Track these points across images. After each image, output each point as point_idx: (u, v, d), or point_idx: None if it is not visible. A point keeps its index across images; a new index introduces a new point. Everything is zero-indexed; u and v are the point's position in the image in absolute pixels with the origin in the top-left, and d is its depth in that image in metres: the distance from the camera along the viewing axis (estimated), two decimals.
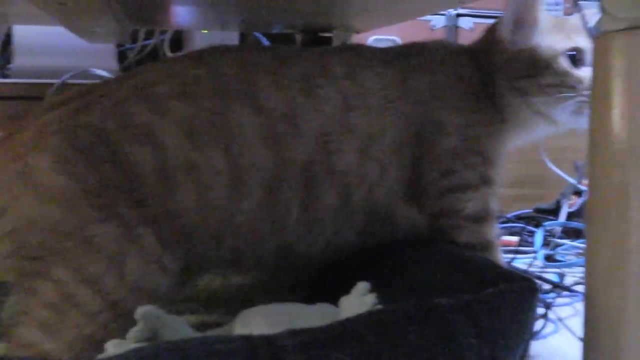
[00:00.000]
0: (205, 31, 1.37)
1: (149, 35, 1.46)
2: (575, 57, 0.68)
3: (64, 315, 0.52)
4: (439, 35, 1.54)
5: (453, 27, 1.55)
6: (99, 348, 0.49)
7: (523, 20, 0.70)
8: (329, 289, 0.61)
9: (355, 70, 0.65)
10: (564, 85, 0.67)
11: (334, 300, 0.54)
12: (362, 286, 0.49)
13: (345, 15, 1.05)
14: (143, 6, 0.95)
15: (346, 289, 0.51)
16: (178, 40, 1.47)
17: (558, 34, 0.69)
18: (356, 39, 1.22)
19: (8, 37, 1.40)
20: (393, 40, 1.48)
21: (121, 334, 0.48)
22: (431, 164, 0.66)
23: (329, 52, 0.70)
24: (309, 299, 0.56)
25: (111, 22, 0.86)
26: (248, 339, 0.39)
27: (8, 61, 1.41)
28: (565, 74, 0.67)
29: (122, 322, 0.52)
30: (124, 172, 0.55)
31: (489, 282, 0.49)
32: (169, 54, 1.41)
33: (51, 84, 1.20)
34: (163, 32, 1.44)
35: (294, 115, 0.60)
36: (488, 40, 0.73)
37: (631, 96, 0.42)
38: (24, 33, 1.35)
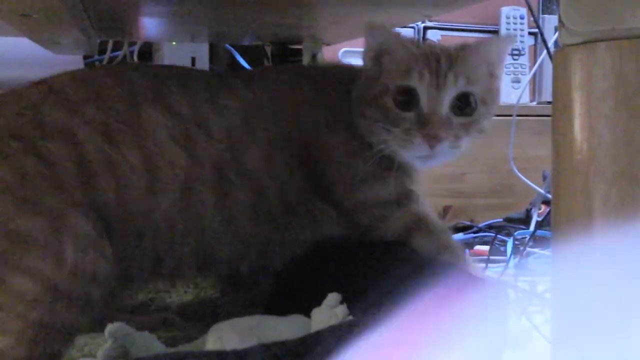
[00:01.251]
0: (174, 43, 1.37)
1: (117, 46, 1.44)
2: (406, 97, 0.65)
3: (6, 307, 0.53)
4: None
5: (421, 40, 1.58)
6: (51, 334, 0.51)
7: (381, 49, 0.69)
8: (301, 301, 0.61)
9: (251, 82, 0.71)
10: (386, 122, 0.65)
11: (306, 311, 0.54)
12: (332, 298, 0.49)
13: (315, 28, 1.06)
14: (111, 18, 0.94)
15: (318, 300, 0.51)
16: (147, 52, 1.46)
17: (401, 68, 0.67)
18: (326, 51, 1.23)
19: None
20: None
21: (69, 315, 0.49)
22: (331, 166, 0.69)
23: (232, 72, 0.77)
24: (282, 311, 0.56)
25: (77, 33, 0.85)
26: (219, 354, 0.38)
27: None
28: (387, 111, 0.66)
29: (67, 303, 0.53)
30: (46, 164, 0.57)
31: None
32: None
33: None
34: (132, 43, 1.42)
35: (203, 120, 0.65)
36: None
37: (590, 108, 0.43)
38: None
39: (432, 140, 0.63)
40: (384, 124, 0.65)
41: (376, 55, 0.69)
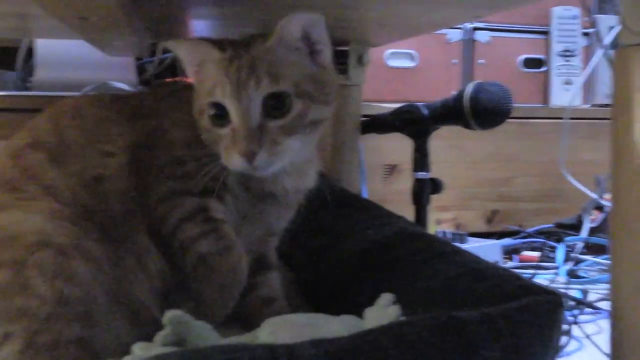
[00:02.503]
0: None
1: (167, 49, 1.48)
2: (219, 113, 0.61)
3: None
4: (455, 48, 1.54)
5: (470, 41, 1.55)
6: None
7: (197, 62, 0.65)
8: (351, 301, 0.61)
9: None
10: (212, 142, 0.63)
11: (355, 311, 0.54)
12: (386, 297, 0.48)
13: (362, 29, 1.06)
14: (162, 20, 0.96)
15: (368, 300, 0.51)
16: None
17: (209, 83, 0.62)
18: (372, 52, 1.22)
19: (30, 51, 1.43)
20: (409, 54, 1.49)
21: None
22: None
23: None
24: (332, 311, 0.56)
25: (131, 35, 0.88)
26: (270, 348, 0.39)
27: (29, 74, 1.44)
28: (209, 130, 0.62)
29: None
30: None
31: (511, 295, 0.49)
32: None
33: (72, 97, 1.21)
34: None
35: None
36: None
37: None
38: (45, 46, 1.38)
39: (248, 156, 0.58)
40: (213, 141, 0.62)
41: (197, 70, 0.66)
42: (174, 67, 1.49)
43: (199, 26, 1.06)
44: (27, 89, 1.44)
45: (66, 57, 1.36)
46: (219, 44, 0.64)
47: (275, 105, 0.59)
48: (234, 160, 0.59)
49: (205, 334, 0.46)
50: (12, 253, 0.56)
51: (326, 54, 0.65)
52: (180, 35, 1.16)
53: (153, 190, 0.64)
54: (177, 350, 0.42)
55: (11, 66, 1.45)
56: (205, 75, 0.64)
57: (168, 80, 1.48)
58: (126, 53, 1.23)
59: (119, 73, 1.37)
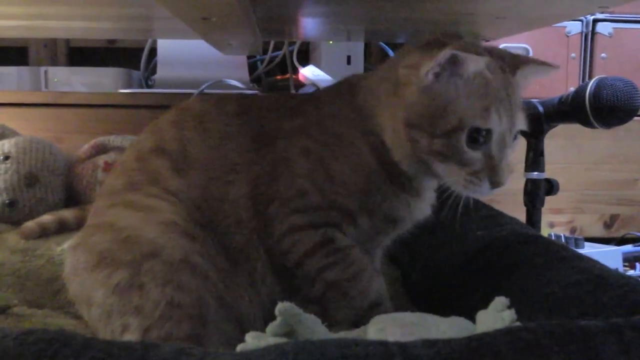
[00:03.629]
0: (331, 42, 1.41)
1: (278, 46, 1.52)
2: (479, 136, 0.59)
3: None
4: (574, 42, 1.45)
5: (590, 33, 1.46)
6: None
7: (453, 68, 0.59)
8: (459, 303, 0.59)
9: None
10: (452, 160, 0.60)
11: (464, 314, 0.52)
12: (500, 301, 0.47)
13: (475, 23, 1.02)
14: (276, 19, 0.99)
15: (478, 303, 0.50)
16: (305, 51, 1.52)
17: (477, 102, 0.59)
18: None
19: (152, 51, 1.53)
20: (524, 49, 1.42)
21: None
22: None
23: None
24: (439, 312, 0.55)
25: (248, 35, 0.91)
26: (384, 344, 0.39)
27: (152, 73, 1.54)
28: (457, 149, 0.59)
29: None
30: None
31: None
32: (297, 64, 1.46)
33: (190, 94, 1.28)
34: (291, 43, 1.49)
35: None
36: (395, 67, 0.64)
37: None
38: (166, 47, 1.47)
39: (499, 185, 0.60)
40: (448, 161, 0.60)
41: (447, 72, 0.60)
42: (283, 65, 1.53)
43: (309, 24, 1.08)
44: (149, 86, 1.54)
45: (185, 57, 1.44)
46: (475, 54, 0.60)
47: None
48: (478, 187, 0.60)
49: (315, 328, 0.47)
50: (130, 256, 0.61)
51: None
52: (292, 32, 1.19)
53: (275, 223, 0.65)
54: (294, 341, 0.43)
55: (137, 66, 1.56)
56: (462, 90, 0.60)
57: (278, 77, 1.53)
58: (241, 52, 1.28)
59: (232, 71, 1.44)
